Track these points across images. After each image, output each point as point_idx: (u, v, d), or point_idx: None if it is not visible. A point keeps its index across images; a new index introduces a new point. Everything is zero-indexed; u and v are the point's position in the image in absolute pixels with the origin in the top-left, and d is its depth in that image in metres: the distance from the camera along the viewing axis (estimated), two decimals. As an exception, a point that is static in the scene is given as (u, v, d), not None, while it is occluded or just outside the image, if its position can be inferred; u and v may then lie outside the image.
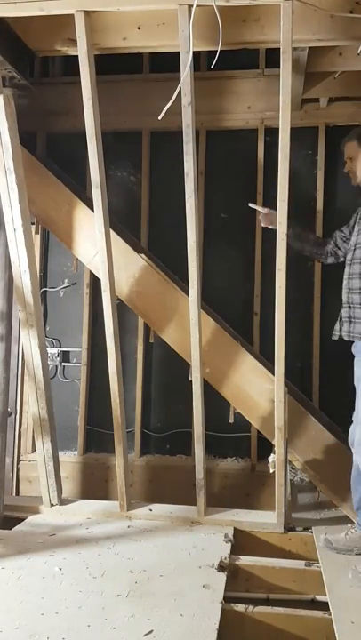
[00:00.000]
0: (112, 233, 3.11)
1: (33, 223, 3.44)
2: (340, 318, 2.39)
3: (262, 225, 2.66)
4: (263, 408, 2.94)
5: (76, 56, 2.37)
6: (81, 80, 2.39)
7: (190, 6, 2.17)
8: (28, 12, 2.32)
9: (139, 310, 3.16)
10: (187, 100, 2.34)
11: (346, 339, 2.36)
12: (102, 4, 2.29)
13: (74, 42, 2.37)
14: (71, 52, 2.49)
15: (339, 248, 2.58)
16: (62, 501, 2.90)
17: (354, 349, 2.35)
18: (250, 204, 2.66)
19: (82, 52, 2.36)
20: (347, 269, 2.40)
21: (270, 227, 2.61)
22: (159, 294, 3.08)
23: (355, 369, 2.36)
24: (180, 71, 2.28)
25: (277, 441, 2.56)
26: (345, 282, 2.40)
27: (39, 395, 2.82)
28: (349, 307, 2.34)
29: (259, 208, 2.66)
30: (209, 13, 2.20)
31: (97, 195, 2.55)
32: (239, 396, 3.01)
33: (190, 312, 2.59)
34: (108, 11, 2.34)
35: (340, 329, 2.38)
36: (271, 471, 2.63)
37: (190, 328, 2.60)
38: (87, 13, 2.31)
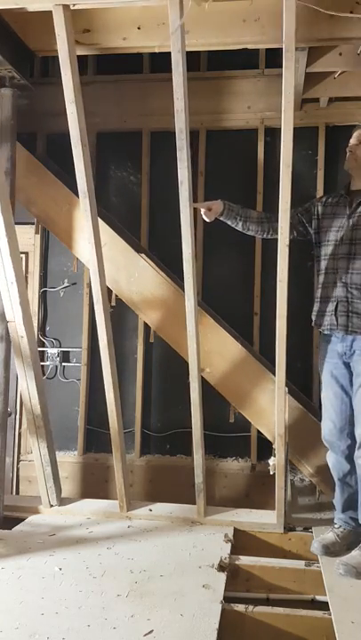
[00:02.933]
0: (112, 233, 3.12)
1: (33, 223, 3.46)
2: (335, 312, 2.36)
3: (207, 220, 2.53)
4: (264, 408, 2.93)
5: (78, 56, 2.34)
6: (62, 81, 2.25)
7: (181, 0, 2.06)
8: (1, 6, 2.21)
9: (139, 310, 3.16)
10: (180, 104, 2.17)
11: (343, 333, 2.33)
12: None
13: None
14: (71, 51, 2.48)
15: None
16: (62, 501, 2.89)
17: (355, 345, 2.33)
18: (193, 204, 2.51)
19: (62, 49, 2.20)
20: (342, 263, 2.36)
21: (213, 219, 2.51)
22: (159, 294, 3.08)
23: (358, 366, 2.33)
24: (179, 71, 2.27)
25: (278, 447, 2.55)
26: (342, 276, 2.35)
27: (33, 404, 2.77)
28: (347, 301, 2.34)
29: (198, 205, 2.55)
30: (209, 13, 2.19)
31: (85, 204, 2.43)
32: (240, 396, 3.01)
33: (187, 323, 2.52)
34: (89, 7, 2.21)
35: (336, 323, 2.35)
36: (271, 473, 2.63)
37: (187, 339, 2.54)
38: (66, 7, 2.17)
